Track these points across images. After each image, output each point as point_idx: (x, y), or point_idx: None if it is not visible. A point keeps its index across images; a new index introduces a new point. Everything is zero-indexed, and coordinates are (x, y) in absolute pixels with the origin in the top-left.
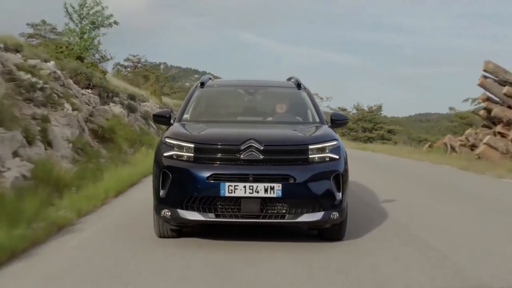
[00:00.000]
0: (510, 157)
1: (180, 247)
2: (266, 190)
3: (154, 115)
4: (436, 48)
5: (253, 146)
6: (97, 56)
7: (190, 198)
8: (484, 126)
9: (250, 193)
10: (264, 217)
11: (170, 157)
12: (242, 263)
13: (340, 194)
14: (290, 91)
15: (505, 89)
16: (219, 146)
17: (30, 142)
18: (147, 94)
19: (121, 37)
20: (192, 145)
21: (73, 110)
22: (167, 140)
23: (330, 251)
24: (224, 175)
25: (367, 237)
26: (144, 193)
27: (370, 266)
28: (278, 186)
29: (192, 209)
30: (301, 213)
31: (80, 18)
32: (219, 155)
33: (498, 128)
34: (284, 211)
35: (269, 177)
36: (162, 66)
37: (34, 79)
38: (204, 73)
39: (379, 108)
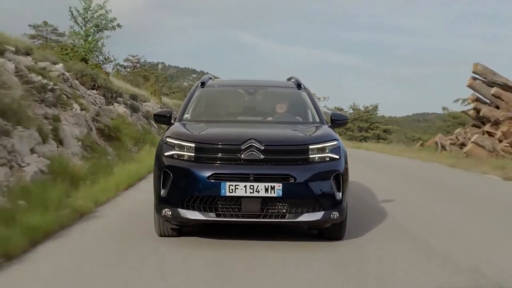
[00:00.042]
0: (496, 155)
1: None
2: (266, 190)
3: (155, 115)
4: (436, 48)
5: (254, 146)
6: (100, 57)
7: (191, 198)
8: (473, 125)
9: (250, 192)
10: (264, 217)
11: (171, 156)
12: (243, 263)
13: (340, 194)
14: (290, 91)
15: (493, 90)
16: (219, 146)
17: (43, 140)
18: (147, 94)
19: (119, 37)
20: (193, 145)
21: (81, 110)
22: (168, 139)
23: (330, 251)
24: (224, 174)
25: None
26: (152, 186)
27: (370, 264)
28: (278, 186)
29: (193, 209)
30: (302, 213)
31: (84, 21)
32: (219, 154)
33: (487, 127)
34: (284, 211)
35: (270, 176)
36: (160, 66)
37: (44, 81)
38: (202, 73)
39: (375, 108)
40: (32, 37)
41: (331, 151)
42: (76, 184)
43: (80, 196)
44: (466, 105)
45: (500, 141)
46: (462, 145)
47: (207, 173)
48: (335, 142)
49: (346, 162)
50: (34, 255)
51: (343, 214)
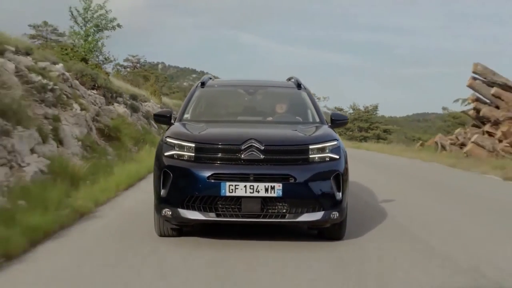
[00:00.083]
0: (496, 155)
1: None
2: (266, 190)
3: (155, 115)
4: (436, 48)
5: (254, 146)
6: (100, 57)
7: (191, 198)
8: (473, 125)
9: (250, 192)
10: (264, 217)
11: (171, 156)
12: (243, 263)
13: (340, 194)
14: (290, 91)
15: (493, 90)
16: (220, 146)
17: (43, 140)
18: (147, 94)
19: (118, 37)
20: (193, 145)
21: (81, 110)
22: (168, 139)
23: (330, 251)
24: (224, 174)
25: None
26: (152, 186)
27: (370, 264)
28: (278, 186)
29: (193, 209)
30: (302, 213)
31: (84, 21)
32: (219, 154)
33: (487, 127)
34: (284, 211)
35: (270, 176)
36: (160, 66)
37: (44, 81)
38: (202, 73)
39: (375, 108)
40: (32, 37)
41: (331, 151)
42: (76, 184)
43: (80, 196)
44: (466, 105)
45: (500, 141)
46: (462, 145)
47: (207, 173)
48: (335, 142)
49: (346, 162)
50: (34, 255)
51: (343, 214)
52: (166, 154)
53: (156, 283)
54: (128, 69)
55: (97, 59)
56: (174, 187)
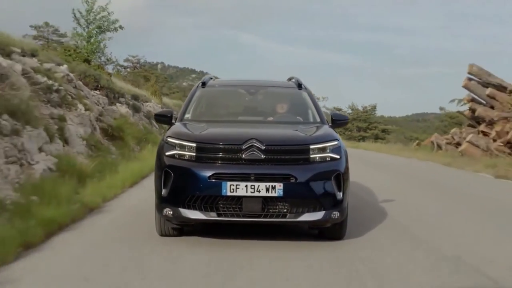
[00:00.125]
0: (490, 154)
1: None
2: (267, 190)
3: (156, 115)
4: (435, 48)
5: (255, 145)
6: (103, 58)
7: (192, 197)
8: (469, 125)
9: (251, 192)
10: (265, 217)
11: (172, 156)
12: (243, 263)
13: (341, 193)
14: (291, 91)
15: (488, 90)
16: (221, 146)
17: (50, 139)
18: (148, 94)
19: (119, 37)
20: (194, 145)
21: (85, 110)
22: (169, 139)
23: (330, 250)
24: (225, 174)
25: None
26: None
27: (370, 263)
28: (279, 186)
29: (194, 208)
30: (302, 213)
31: (87, 23)
32: (220, 154)
33: (482, 127)
34: (285, 211)
35: (271, 176)
36: (159, 66)
37: (50, 82)
38: (202, 73)
39: (374, 108)
40: (34, 38)
41: (332, 151)
42: (83, 181)
43: (88, 193)
44: (462, 105)
45: (495, 140)
46: (458, 144)
47: (208, 173)
48: (335, 142)
49: (346, 162)
50: (50, 245)
51: (344, 214)
52: (167, 153)
53: (157, 282)
54: (128, 70)
55: (99, 60)
56: (175, 186)
